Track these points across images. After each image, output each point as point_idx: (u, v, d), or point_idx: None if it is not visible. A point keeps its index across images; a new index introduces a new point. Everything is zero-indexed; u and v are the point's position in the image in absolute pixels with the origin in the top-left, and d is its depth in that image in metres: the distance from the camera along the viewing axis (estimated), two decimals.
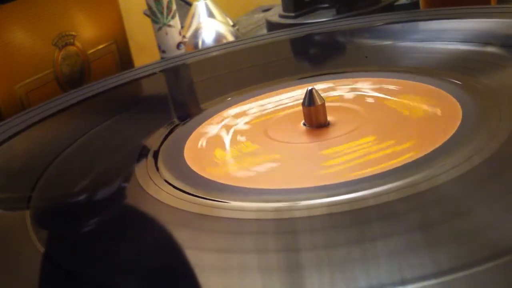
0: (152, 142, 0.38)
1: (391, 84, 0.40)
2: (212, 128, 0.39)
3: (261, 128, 0.38)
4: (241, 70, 0.52)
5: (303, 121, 0.36)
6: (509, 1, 0.61)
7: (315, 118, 0.36)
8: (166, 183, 0.32)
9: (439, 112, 0.34)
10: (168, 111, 0.48)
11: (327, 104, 0.36)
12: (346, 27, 0.56)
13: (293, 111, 0.39)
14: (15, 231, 0.31)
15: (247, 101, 0.43)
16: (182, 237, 0.27)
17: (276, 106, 0.41)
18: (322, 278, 0.22)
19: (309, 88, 0.35)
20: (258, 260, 0.24)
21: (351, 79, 0.43)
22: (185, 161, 0.35)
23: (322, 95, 0.36)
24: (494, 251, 0.21)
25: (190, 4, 0.77)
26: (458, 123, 0.32)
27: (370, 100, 0.38)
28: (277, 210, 0.28)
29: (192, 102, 0.49)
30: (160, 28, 0.61)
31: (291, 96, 0.42)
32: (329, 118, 0.36)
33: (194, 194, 0.30)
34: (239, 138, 0.37)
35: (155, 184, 0.32)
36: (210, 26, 0.69)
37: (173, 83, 0.55)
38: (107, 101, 0.49)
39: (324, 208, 0.27)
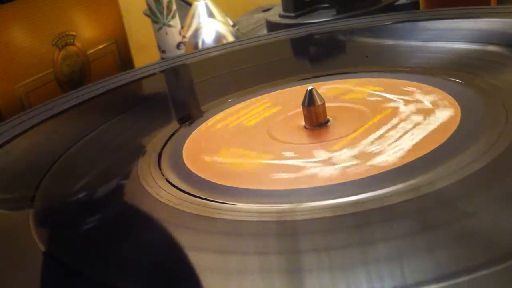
0: (153, 142, 0.38)
1: (392, 84, 0.40)
2: (212, 128, 0.39)
3: (262, 128, 0.37)
4: (241, 70, 0.52)
5: (303, 121, 0.36)
6: (509, 1, 0.61)
7: (315, 118, 0.36)
8: (167, 184, 0.32)
9: (441, 112, 0.34)
10: (168, 112, 0.48)
11: (327, 104, 0.36)
12: (346, 27, 0.55)
13: (293, 111, 0.39)
14: (18, 231, 0.31)
15: (247, 101, 0.43)
16: (183, 237, 0.27)
17: (276, 106, 0.41)
18: (323, 280, 0.22)
19: (309, 88, 0.35)
20: (259, 262, 0.24)
21: (351, 79, 0.43)
22: (184, 161, 0.35)
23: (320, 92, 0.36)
24: (497, 254, 0.21)
25: (190, 4, 0.77)
26: (460, 123, 0.32)
27: (370, 100, 0.38)
28: (278, 211, 0.28)
29: (192, 103, 0.49)
30: (160, 28, 0.61)
31: (291, 96, 0.42)
32: (329, 118, 0.36)
33: (195, 194, 0.30)
34: (240, 138, 0.37)
35: (156, 185, 0.32)
36: (210, 26, 0.69)
37: (173, 84, 0.55)
38: (107, 102, 0.49)
39: (325, 210, 0.27)
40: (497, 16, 0.48)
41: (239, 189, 0.30)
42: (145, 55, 0.78)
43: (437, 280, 0.20)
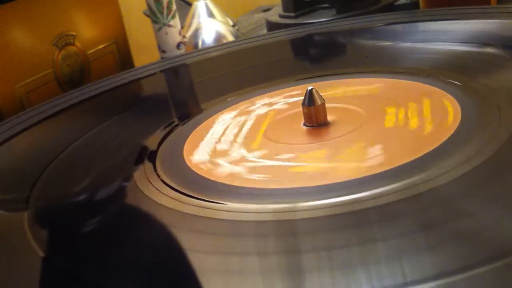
0: (152, 142, 0.38)
1: (391, 84, 0.40)
2: (212, 128, 0.39)
3: (262, 128, 0.37)
4: (241, 70, 0.52)
5: (303, 121, 0.36)
6: (509, 1, 0.61)
7: (315, 118, 0.36)
8: (165, 184, 0.32)
9: (439, 112, 0.34)
10: (168, 112, 0.48)
11: (327, 104, 0.36)
12: (346, 27, 0.55)
13: (293, 111, 0.39)
14: (13, 232, 0.30)
15: (247, 101, 0.43)
16: (181, 238, 0.27)
17: (276, 106, 0.41)
18: (322, 280, 0.22)
19: (309, 88, 0.35)
20: (258, 262, 0.24)
21: (350, 79, 0.43)
22: (184, 161, 0.35)
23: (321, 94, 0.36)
24: (495, 252, 0.21)
25: (190, 4, 0.77)
26: (458, 123, 0.32)
27: (370, 100, 0.38)
28: (277, 211, 0.28)
29: (192, 102, 0.49)
30: (160, 28, 0.61)
31: (291, 96, 0.42)
32: (329, 118, 0.36)
33: (193, 195, 0.30)
34: (239, 138, 0.37)
35: (154, 185, 0.32)
36: (210, 26, 0.69)
37: (173, 83, 0.55)
38: (107, 102, 0.49)
39: (324, 210, 0.27)
40: (496, 16, 0.48)
41: (239, 189, 0.30)
42: (145, 55, 0.78)
43: (435, 278, 0.20)
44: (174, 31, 0.61)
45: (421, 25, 0.51)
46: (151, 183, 0.32)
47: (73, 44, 0.60)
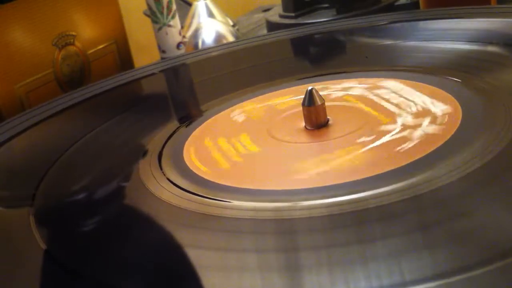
0: (153, 142, 0.38)
1: (392, 84, 0.40)
2: (212, 128, 0.39)
3: (262, 128, 0.37)
4: (241, 70, 0.52)
5: (303, 121, 0.36)
6: (509, 1, 0.61)
7: (315, 118, 0.36)
8: (167, 183, 0.32)
9: (440, 111, 0.34)
10: (168, 112, 0.48)
11: (327, 104, 0.36)
12: (346, 27, 0.55)
13: (293, 111, 0.39)
14: (18, 230, 0.31)
15: (248, 101, 0.43)
16: (183, 236, 0.27)
17: (276, 106, 0.41)
18: (321, 278, 0.22)
19: (309, 88, 0.35)
20: (257, 260, 0.24)
21: (351, 79, 0.43)
22: (185, 161, 0.35)
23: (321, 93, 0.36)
24: (495, 252, 0.21)
25: (190, 4, 0.77)
26: (460, 123, 0.32)
27: (370, 100, 0.38)
28: (277, 210, 0.28)
29: (192, 103, 0.49)
30: (160, 28, 0.61)
31: (291, 96, 0.42)
32: (329, 118, 0.36)
33: (195, 192, 0.30)
34: (239, 138, 0.37)
35: (157, 183, 0.32)
36: (210, 26, 0.69)
37: (173, 84, 0.55)
38: (107, 102, 0.49)
39: (324, 209, 0.27)
40: (496, 16, 0.48)
41: (238, 188, 0.30)
42: (145, 55, 0.78)
43: (434, 278, 0.20)
44: (174, 31, 0.61)
45: (422, 24, 0.51)
46: (154, 181, 0.33)
47: (73, 44, 0.60)
